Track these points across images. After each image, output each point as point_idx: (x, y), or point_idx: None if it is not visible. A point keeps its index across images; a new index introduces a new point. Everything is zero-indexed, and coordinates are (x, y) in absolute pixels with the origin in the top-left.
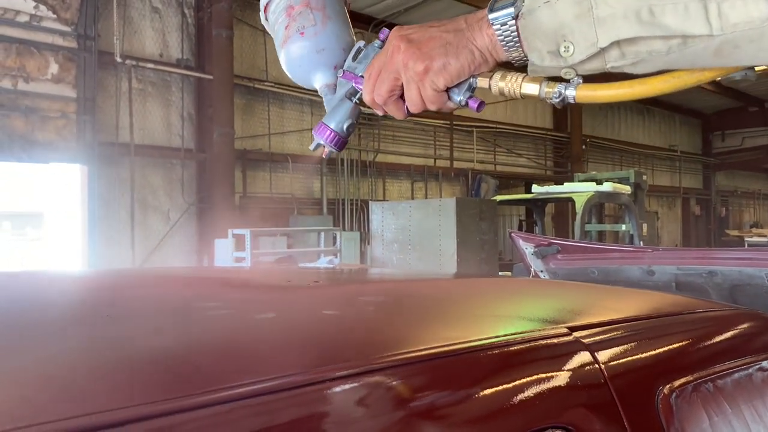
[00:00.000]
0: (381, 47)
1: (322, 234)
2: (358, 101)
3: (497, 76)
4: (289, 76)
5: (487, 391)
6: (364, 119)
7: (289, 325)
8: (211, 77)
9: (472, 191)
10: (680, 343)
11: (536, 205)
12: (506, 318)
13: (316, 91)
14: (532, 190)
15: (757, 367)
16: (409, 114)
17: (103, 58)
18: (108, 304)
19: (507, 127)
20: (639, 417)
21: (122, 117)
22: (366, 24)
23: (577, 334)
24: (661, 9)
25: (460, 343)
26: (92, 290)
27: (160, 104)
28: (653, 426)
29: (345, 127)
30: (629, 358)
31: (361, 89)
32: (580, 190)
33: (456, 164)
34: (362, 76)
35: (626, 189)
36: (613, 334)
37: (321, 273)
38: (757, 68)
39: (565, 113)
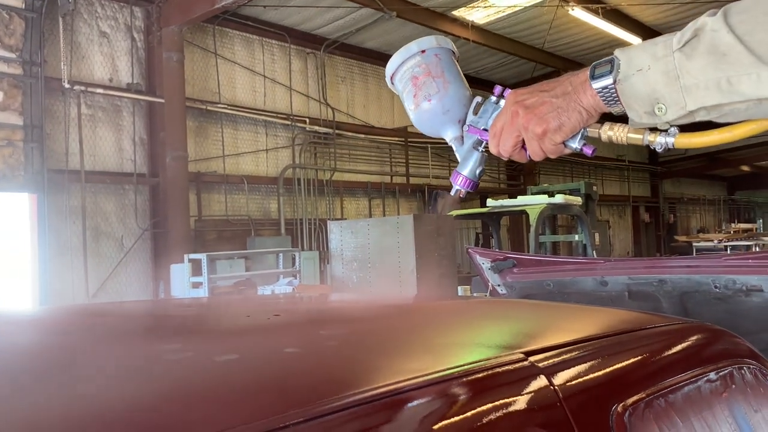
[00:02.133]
0: (497, 102)
1: (281, 255)
2: (484, 150)
3: (605, 127)
4: (421, 131)
5: (448, 422)
6: (318, 139)
7: (249, 370)
8: (162, 101)
9: (429, 207)
10: (632, 361)
11: (492, 219)
12: (466, 346)
13: (270, 112)
14: (487, 204)
15: (705, 378)
16: (530, 160)
17: (51, 84)
18: (66, 352)
19: None
20: None
21: (72, 143)
22: (318, 44)
23: (532, 358)
24: (738, 79)
25: (422, 375)
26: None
27: (111, 129)
28: None
29: (477, 173)
30: (583, 379)
31: (485, 140)
32: (532, 202)
33: (412, 180)
34: (485, 129)
35: (577, 200)
36: (567, 356)
37: (281, 302)
38: None
39: None
